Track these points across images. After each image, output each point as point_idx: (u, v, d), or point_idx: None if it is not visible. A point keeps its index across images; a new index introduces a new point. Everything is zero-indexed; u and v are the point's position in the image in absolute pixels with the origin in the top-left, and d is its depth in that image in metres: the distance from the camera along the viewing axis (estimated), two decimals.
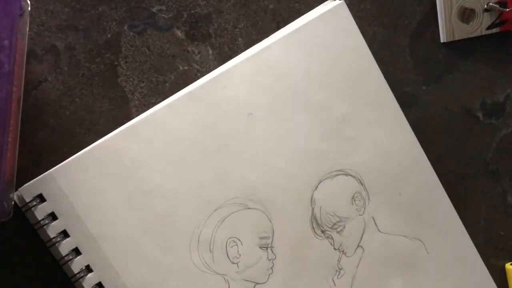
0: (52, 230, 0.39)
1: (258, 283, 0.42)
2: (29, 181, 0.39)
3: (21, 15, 0.38)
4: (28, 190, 0.39)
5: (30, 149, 0.40)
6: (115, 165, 0.40)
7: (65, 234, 0.39)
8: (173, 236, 0.41)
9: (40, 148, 0.40)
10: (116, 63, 0.43)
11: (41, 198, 0.39)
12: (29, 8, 0.39)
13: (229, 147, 0.42)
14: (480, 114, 0.50)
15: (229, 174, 0.42)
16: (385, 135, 0.45)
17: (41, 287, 0.41)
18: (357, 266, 0.45)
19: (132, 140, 0.40)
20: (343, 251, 0.44)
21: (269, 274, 0.43)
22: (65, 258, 0.39)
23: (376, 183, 0.45)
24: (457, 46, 0.49)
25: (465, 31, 0.48)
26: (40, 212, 0.39)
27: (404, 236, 0.46)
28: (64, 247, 0.39)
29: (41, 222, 0.39)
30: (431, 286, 0.46)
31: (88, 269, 0.40)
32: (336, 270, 0.44)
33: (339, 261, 0.44)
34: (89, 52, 0.42)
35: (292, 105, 0.43)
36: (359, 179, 0.45)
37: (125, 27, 0.43)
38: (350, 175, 0.45)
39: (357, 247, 0.45)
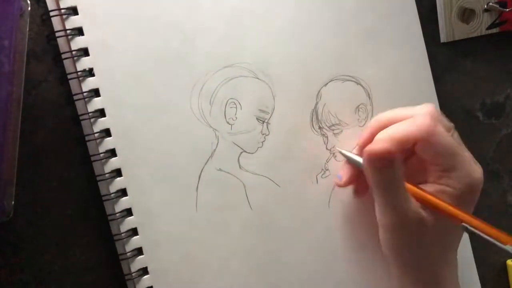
0: (71, 22, 0.39)
1: (245, 152, 0.43)
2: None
3: (21, 15, 0.38)
4: None
5: (30, 149, 0.40)
6: None
7: (85, 52, 0.39)
8: (179, 73, 0.41)
9: (40, 148, 0.40)
10: None
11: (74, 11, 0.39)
12: (29, 8, 0.39)
13: (255, 13, 0.42)
14: (480, 114, 0.50)
15: (248, 38, 0.42)
16: (404, 61, 0.46)
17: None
18: None
19: None
20: (334, 153, 0.45)
21: (258, 147, 0.43)
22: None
23: (383, 102, 0.45)
24: (457, 46, 0.49)
25: (465, 31, 0.48)
26: (64, 2, 0.39)
27: None
28: (82, 63, 0.39)
29: (61, 11, 0.39)
30: None
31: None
32: (322, 169, 0.44)
33: (327, 162, 0.44)
34: None
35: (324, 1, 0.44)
36: (368, 92, 0.45)
37: None
38: (361, 85, 0.45)
39: None
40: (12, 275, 0.40)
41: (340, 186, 0.43)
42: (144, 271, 0.40)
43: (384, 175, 0.37)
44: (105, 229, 0.40)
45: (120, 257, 0.40)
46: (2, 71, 0.36)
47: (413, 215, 0.37)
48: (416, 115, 0.39)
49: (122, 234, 0.40)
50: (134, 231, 0.40)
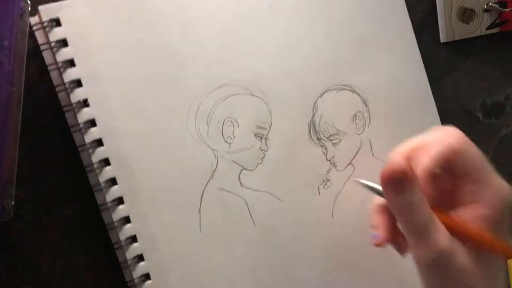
0: (61, 55, 0.39)
1: (246, 169, 0.43)
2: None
3: (21, 15, 0.38)
4: (48, 11, 0.38)
5: (30, 149, 0.40)
6: (135, 14, 0.40)
7: (78, 83, 0.39)
8: (174, 96, 0.41)
9: (40, 148, 0.40)
10: None
11: (57, 23, 0.39)
12: (29, 8, 0.39)
13: (246, 31, 0.42)
14: (480, 114, 0.50)
15: (241, 55, 0.42)
16: (398, 65, 0.46)
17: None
18: (345, 183, 0.45)
19: None
20: (334, 163, 0.45)
21: (258, 164, 0.43)
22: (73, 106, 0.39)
23: (380, 108, 0.45)
24: (457, 46, 0.49)
25: (465, 31, 0.48)
26: (54, 35, 0.39)
27: None
28: (75, 95, 0.39)
29: (51, 44, 0.38)
30: None
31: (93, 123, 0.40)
32: (324, 180, 0.44)
33: (328, 172, 0.44)
34: None
35: (316, 10, 0.44)
36: (364, 100, 0.45)
37: None
38: (356, 93, 0.45)
39: (349, 164, 0.45)
40: (12, 275, 0.40)
41: (379, 245, 0.34)
42: None
43: (404, 195, 0.30)
44: (105, 232, 0.40)
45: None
46: (2, 71, 0.36)
47: (444, 247, 0.30)
48: (441, 130, 0.34)
49: (129, 262, 0.40)
50: (140, 258, 0.40)
